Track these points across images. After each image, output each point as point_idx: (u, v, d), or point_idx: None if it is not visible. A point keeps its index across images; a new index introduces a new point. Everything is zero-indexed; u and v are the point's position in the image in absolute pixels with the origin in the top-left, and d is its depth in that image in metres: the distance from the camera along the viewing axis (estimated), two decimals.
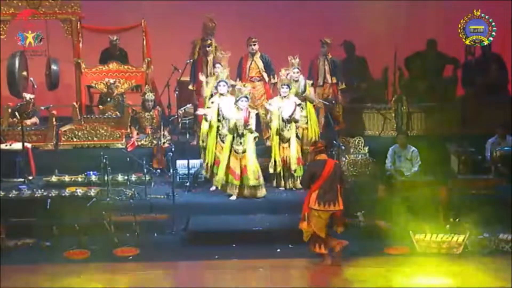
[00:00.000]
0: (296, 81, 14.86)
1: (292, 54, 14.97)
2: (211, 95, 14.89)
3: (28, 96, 15.97)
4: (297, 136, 14.64)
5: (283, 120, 14.53)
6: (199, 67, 15.86)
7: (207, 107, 14.70)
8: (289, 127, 14.57)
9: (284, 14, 18.11)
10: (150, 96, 16.12)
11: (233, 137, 14.14)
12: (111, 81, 16.31)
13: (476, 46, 16.07)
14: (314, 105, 15.21)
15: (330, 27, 17.41)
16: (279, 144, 14.57)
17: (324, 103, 15.86)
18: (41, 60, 16.77)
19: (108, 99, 16.42)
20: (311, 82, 15.32)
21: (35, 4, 16.00)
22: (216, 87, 14.62)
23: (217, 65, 15.19)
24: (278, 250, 12.83)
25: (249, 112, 14.14)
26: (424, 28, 17.71)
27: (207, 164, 14.61)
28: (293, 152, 14.53)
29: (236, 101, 14.15)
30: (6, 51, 16.44)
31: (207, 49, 15.82)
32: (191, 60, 16.14)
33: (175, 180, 14.33)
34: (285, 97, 14.55)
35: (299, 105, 14.63)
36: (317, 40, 16.16)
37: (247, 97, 14.18)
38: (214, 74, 15.23)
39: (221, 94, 14.50)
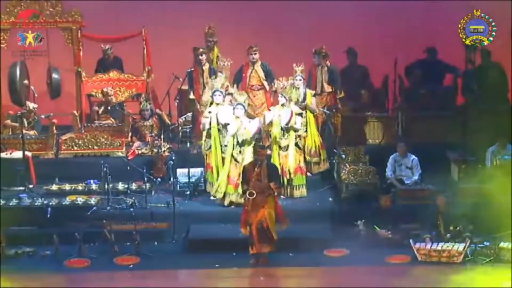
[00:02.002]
0: (298, 88, 14.87)
1: (293, 62, 14.99)
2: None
3: (31, 105, 15.94)
4: (297, 145, 14.63)
5: (281, 128, 14.54)
6: (194, 77, 15.86)
7: (205, 117, 14.66)
8: (287, 135, 14.57)
9: (286, 22, 18.11)
10: (146, 105, 16.13)
11: (233, 146, 14.13)
12: (108, 89, 16.30)
13: (476, 54, 16.09)
14: (314, 115, 15.22)
15: (331, 35, 17.39)
16: (278, 152, 14.56)
17: (324, 112, 15.85)
18: (42, 69, 16.80)
19: (108, 107, 16.40)
20: (313, 92, 15.33)
21: (34, 7, 16.04)
22: (211, 97, 14.59)
23: (219, 73, 15.18)
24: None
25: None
26: (424, 36, 17.70)
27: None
28: (291, 160, 14.51)
29: (233, 109, 14.18)
30: (6, 58, 16.44)
31: (199, 58, 15.79)
32: (192, 69, 16.18)
33: (175, 189, 14.31)
34: (283, 105, 14.56)
35: (299, 114, 14.63)
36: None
37: (242, 105, 14.19)
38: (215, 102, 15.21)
39: (217, 104, 14.48)
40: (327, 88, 15.97)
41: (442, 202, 13.38)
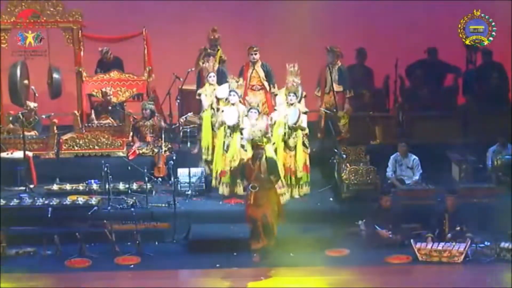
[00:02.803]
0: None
1: (296, 63, 14.99)
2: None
3: (32, 104, 15.93)
4: (304, 144, 14.64)
5: (289, 128, 14.54)
6: (202, 77, 15.89)
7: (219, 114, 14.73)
8: (295, 134, 14.57)
9: (286, 23, 18.11)
10: (145, 105, 16.14)
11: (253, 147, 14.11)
12: (107, 89, 16.30)
13: (477, 54, 16.10)
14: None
15: (332, 35, 17.40)
16: (285, 151, 14.54)
17: (326, 112, 15.85)
18: (43, 69, 16.80)
19: (109, 107, 16.40)
20: (305, 93, 15.28)
21: (35, 7, 16.05)
22: (228, 96, 14.60)
23: (211, 74, 15.21)
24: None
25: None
26: (425, 36, 17.71)
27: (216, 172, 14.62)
28: (299, 160, 14.52)
29: (248, 112, 14.23)
30: (7, 58, 16.44)
31: (207, 58, 15.84)
32: (193, 69, 16.19)
33: (176, 189, 14.33)
34: (291, 104, 14.55)
35: (305, 112, 14.64)
36: (321, 49, 16.14)
37: (256, 109, 14.24)
38: (209, 83, 15.24)
39: (233, 104, 14.51)
40: (337, 88, 15.96)
41: (451, 201, 13.36)
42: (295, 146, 14.54)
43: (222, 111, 14.60)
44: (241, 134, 14.27)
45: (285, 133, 14.49)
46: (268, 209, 12.75)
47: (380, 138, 16.49)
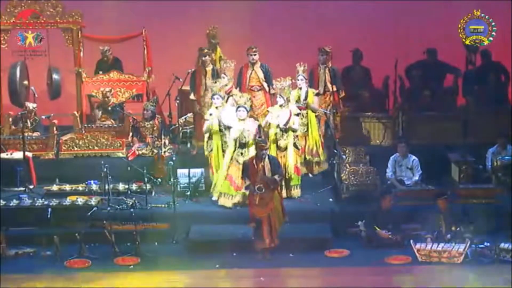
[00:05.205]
0: (300, 88, 14.87)
1: (294, 63, 14.99)
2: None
3: (31, 105, 15.93)
4: (295, 145, 14.63)
5: (280, 129, 14.53)
6: (197, 78, 15.88)
7: (206, 119, 14.68)
8: (286, 136, 14.56)
9: (286, 23, 18.13)
10: (147, 105, 16.13)
11: (235, 147, 14.14)
12: (107, 89, 16.30)
13: (476, 55, 16.10)
14: (316, 114, 15.23)
15: (331, 35, 17.41)
16: (276, 153, 14.52)
17: (325, 112, 15.85)
18: (43, 69, 16.80)
19: (109, 108, 16.39)
20: (316, 91, 15.32)
21: (35, 7, 16.05)
22: (236, 112, 14.50)
23: (222, 75, 15.21)
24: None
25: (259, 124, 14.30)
26: (425, 37, 17.71)
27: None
28: (290, 161, 14.51)
29: (236, 111, 14.20)
30: (6, 58, 16.44)
31: (204, 58, 15.84)
32: (193, 70, 16.19)
33: (175, 189, 14.32)
34: (282, 106, 14.55)
35: (297, 114, 14.62)
36: (316, 48, 16.14)
37: (245, 107, 14.21)
38: (215, 106, 15.12)
39: (217, 107, 14.50)
40: (331, 88, 15.95)
41: (443, 203, 13.36)
42: (286, 147, 14.53)
43: (210, 114, 14.50)
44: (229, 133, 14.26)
45: (276, 134, 14.49)
46: (272, 209, 12.80)
47: (381, 139, 16.51)
